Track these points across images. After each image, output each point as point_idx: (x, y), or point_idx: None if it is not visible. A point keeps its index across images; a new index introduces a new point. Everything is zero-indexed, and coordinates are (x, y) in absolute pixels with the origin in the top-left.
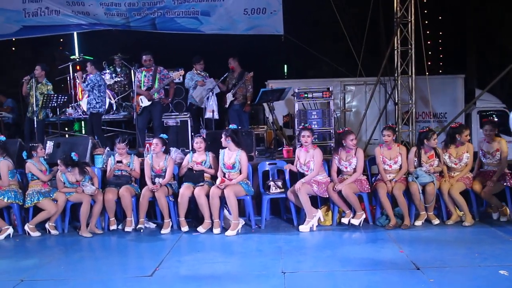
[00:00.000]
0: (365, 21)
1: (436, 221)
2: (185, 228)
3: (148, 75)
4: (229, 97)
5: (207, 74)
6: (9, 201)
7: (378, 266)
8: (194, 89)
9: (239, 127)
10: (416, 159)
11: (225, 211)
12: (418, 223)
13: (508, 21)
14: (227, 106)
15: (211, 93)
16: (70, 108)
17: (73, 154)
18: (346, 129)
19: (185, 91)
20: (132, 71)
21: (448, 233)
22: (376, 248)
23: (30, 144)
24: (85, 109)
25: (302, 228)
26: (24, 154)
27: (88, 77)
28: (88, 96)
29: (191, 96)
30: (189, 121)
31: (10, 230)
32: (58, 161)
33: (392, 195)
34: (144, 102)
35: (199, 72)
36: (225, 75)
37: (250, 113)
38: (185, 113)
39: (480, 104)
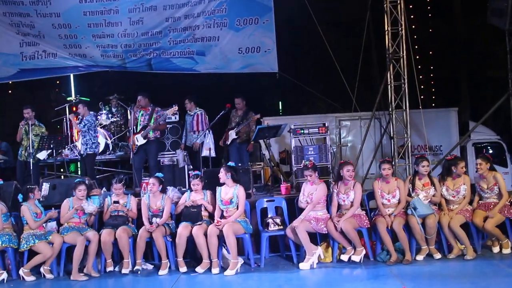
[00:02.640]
0: (358, 57)
1: (438, 256)
2: (183, 268)
3: (145, 114)
4: (232, 134)
5: (198, 112)
6: (3, 245)
7: None
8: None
9: (239, 165)
10: (410, 185)
11: (224, 250)
12: (420, 257)
13: (497, 53)
14: (228, 143)
15: (207, 131)
16: (66, 149)
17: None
18: (346, 160)
19: (181, 129)
20: (128, 111)
21: (450, 267)
22: (378, 284)
23: (27, 186)
24: (82, 150)
25: (302, 265)
26: (20, 197)
27: (84, 118)
28: (84, 137)
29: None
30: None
31: (4, 275)
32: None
33: (392, 229)
34: (140, 141)
35: (188, 111)
36: (221, 113)
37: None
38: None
39: (475, 136)
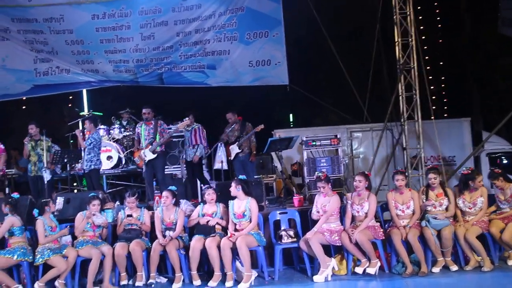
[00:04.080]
0: (369, 68)
1: (454, 268)
2: (197, 282)
3: (148, 129)
4: (234, 149)
5: (195, 127)
6: (18, 258)
7: None
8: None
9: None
10: (423, 196)
11: (237, 263)
12: (436, 269)
13: (507, 62)
14: (232, 158)
15: (219, 144)
16: (79, 163)
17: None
18: (363, 171)
19: (181, 144)
20: None
21: (467, 279)
22: None
23: (42, 200)
24: (84, 166)
25: (316, 278)
26: (36, 211)
27: (90, 136)
28: (89, 153)
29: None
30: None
31: None
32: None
33: (407, 241)
34: (148, 156)
35: (185, 127)
36: (232, 126)
37: (258, 162)
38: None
39: (488, 146)
